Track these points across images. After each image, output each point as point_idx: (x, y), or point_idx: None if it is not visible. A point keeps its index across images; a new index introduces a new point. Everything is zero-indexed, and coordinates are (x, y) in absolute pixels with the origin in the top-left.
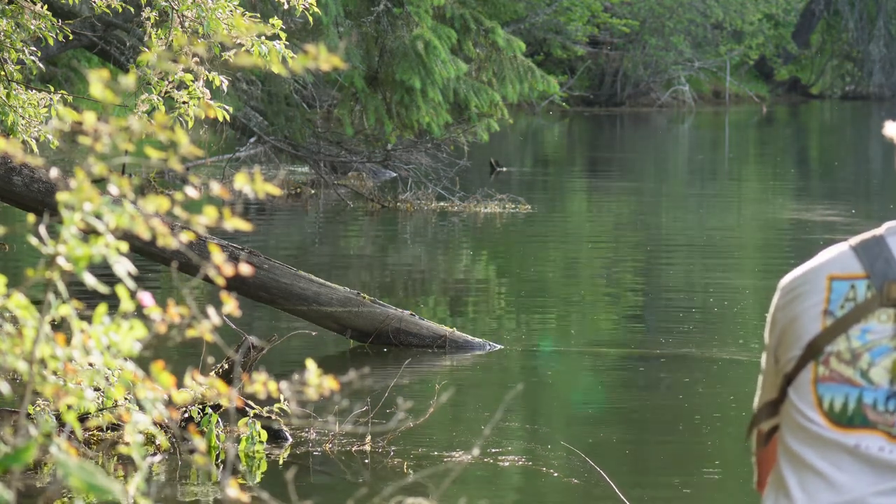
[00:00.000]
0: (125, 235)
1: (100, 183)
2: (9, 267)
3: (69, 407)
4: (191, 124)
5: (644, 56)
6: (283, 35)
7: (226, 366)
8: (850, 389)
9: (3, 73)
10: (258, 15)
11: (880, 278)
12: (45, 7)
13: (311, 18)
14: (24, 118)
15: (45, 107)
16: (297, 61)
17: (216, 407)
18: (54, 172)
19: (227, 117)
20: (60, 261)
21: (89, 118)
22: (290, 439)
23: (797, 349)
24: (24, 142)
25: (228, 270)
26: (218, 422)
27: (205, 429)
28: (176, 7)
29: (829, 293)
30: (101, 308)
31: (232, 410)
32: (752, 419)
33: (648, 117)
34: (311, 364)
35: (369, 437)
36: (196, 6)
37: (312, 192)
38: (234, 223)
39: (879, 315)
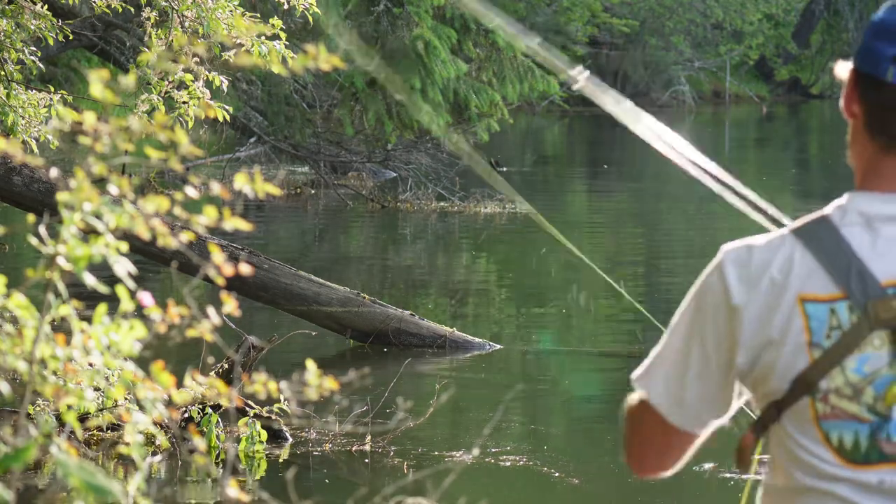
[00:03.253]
0: (125, 235)
1: (100, 183)
2: (9, 267)
3: (69, 407)
4: (191, 124)
5: (644, 56)
6: (283, 35)
7: (226, 366)
8: (858, 426)
9: (3, 73)
10: (258, 15)
11: (860, 297)
12: (45, 7)
13: (311, 18)
14: (24, 118)
15: (45, 107)
16: (297, 61)
17: (216, 407)
18: (54, 172)
19: (227, 117)
20: (60, 261)
21: (89, 118)
22: (290, 439)
23: (783, 382)
24: (24, 142)
25: (228, 270)
26: (218, 422)
27: (205, 429)
28: (176, 7)
29: (806, 321)
30: (101, 308)
31: (232, 410)
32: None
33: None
34: (311, 364)
35: (369, 437)
36: (196, 6)
37: (312, 192)
38: (234, 223)
39: (872, 341)
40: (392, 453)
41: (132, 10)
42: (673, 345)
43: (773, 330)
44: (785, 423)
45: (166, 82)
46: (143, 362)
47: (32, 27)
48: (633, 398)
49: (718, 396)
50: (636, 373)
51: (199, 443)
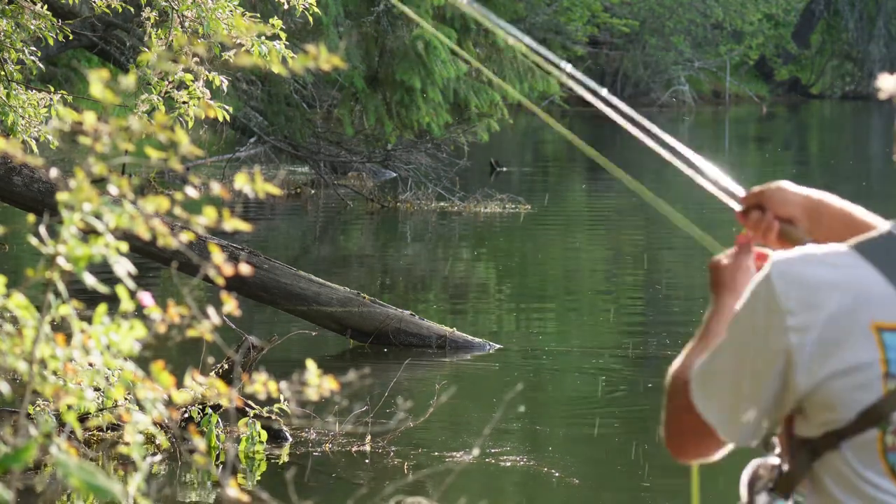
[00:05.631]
0: (125, 235)
1: (100, 183)
2: (9, 267)
3: (69, 407)
4: (191, 124)
5: (644, 56)
6: (283, 35)
7: (226, 366)
8: None
9: (3, 73)
10: (258, 15)
11: None
12: (45, 7)
13: (311, 18)
14: (24, 118)
15: (45, 107)
16: (297, 61)
17: (216, 407)
18: (54, 172)
19: (227, 117)
20: (60, 261)
21: (89, 118)
22: (290, 439)
23: (848, 412)
24: (24, 142)
25: (228, 270)
26: (218, 422)
27: (205, 429)
28: (176, 7)
29: (884, 352)
30: (101, 308)
31: (232, 410)
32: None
33: (648, 117)
34: (311, 364)
35: (369, 437)
36: (196, 6)
37: (312, 192)
38: (234, 223)
39: None
40: (392, 453)
41: (132, 10)
42: (724, 362)
43: (843, 359)
44: (845, 452)
45: (166, 82)
46: (143, 362)
47: (32, 27)
48: (677, 379)
49: (773, 414)
50: (693, 382)
51: (199, 443)
